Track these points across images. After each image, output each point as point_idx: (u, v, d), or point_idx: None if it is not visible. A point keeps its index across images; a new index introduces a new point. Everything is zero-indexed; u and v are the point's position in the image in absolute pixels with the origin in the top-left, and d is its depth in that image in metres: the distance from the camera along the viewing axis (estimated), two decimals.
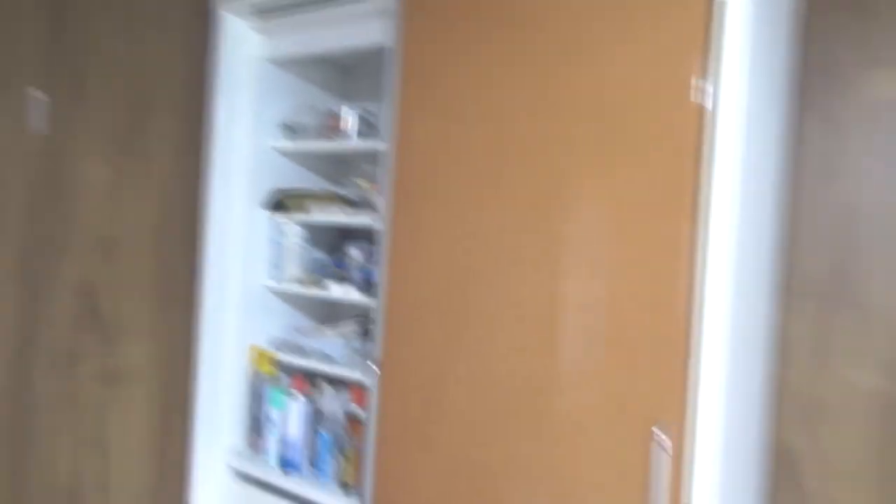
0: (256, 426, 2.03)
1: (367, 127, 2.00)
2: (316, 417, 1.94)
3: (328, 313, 2.32)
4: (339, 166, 2.32)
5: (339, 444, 1.86)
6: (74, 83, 1.65)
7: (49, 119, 1.60)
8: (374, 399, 1.65)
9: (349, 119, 1.96)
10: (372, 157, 2.13)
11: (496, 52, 1.46)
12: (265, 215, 2.05)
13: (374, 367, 1.65)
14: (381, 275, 1.65)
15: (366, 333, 2.06)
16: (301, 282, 2.03)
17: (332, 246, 2.26)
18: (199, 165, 1.97)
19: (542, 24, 1.40)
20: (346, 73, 2.31)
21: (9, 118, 1.54)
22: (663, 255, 1.26)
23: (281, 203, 2.03)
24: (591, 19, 1.35)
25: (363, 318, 2.07)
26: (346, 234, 2.26)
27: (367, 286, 1.87)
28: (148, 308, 1.88)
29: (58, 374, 1.68)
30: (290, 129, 2.07)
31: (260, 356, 2.00)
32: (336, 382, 2.04)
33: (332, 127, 2.02)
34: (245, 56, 1.97)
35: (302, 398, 1.94)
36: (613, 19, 1.32)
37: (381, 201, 1.66)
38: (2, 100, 1.52)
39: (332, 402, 1.94)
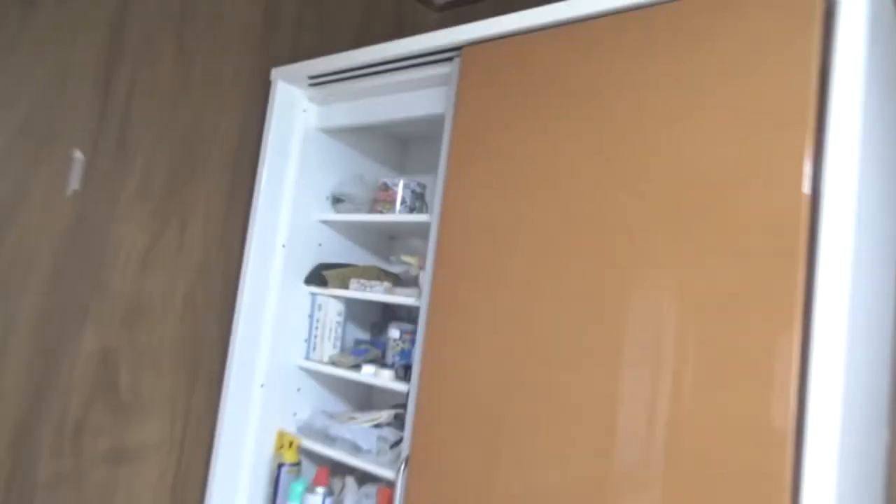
0: None
1: (419, 201, 1.89)
2: None
3: (367, 399, 2.15)
4: (388, 241, 2.21)
5: None
6: (117, 142, 1.62)
7: (87, 178, 1.56)
8: (398, 502, 1.44)
9: (400, 191, 1.85)
10: (423, 233, 2.01)
11: (557, 122, 1.33)
12: (304, 290, 1.94)
13: (401, 465, 1.45)
14: (415, 359, 1.48)
15: (402, 424, 1.87)
16: (336, 363, 1.88)
17: (376, 326, 2.11)
18: (240, 235, 1.90)
19: (613, 94, 1.27)
20: (402, 145, 2.25)
21: (47, 176, 1.50)
22: (756, 366, 1.03)
23: (321, 277, 1.91)
24: (672, 87, 1.20)
25: (402, 407, 1.89)
26: (392, 314, 2.11)
27: (406, 371, 1.69)
28: (170, 382, 1.76)
29: (64, 452, 1.56)
30: (339, 201, 1.98)
31: (284, 442, 1.83)
32: (365, 478, 1.84)
33: (382, 200, 1.93)
34: (297, 125, 1.93)
35: (323, 494, 1.74)
36: (699, 87, 1.17)
37: (421, 279, 1.52)
38: (43, 157, 1.49)
39: (356, 502, 1.73)
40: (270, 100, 1.88)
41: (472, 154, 1.46)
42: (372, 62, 1.67)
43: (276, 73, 1.88)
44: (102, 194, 1.60)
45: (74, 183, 1.54)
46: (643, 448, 1.12)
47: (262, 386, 1.85)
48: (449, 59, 1.56)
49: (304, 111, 1.94)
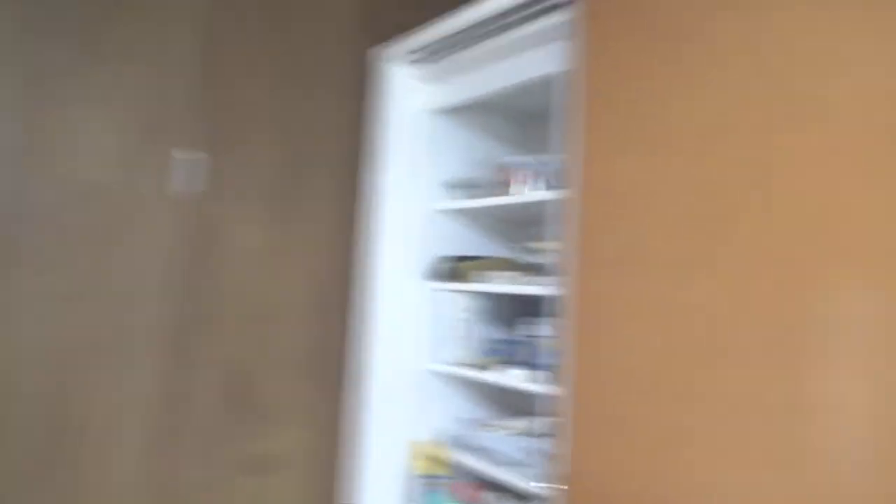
0: None
1: (548, 179, 1.67)
2: None
3: (508, 403, 1.95)
4: (515, 228, 2.01)
5: None
6: (226, 142, 1.54)
7: (199, 180, 1.49)
8: None
9: (526, 172, 1.64)
10: (554, 215, 1.79)
11: (714, 54, 1.07)
12: (428, 286, 1.78)
13: (555, 483, 1.24)
14: (562, 358, 1.26)
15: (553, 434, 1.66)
16: (469, 364, 1.70)
17: (510, 322, 1.91)
18: (357, 230, 1.77)
19: (786, 6, 0.99)
20: (522, 123, 2.03)
21: (157, 179, 1.44)
22: None
23: (446, 272, 1.74)
24: None
25: (551, 412, 1.68)
26: (527, 308, 1.91)
27: (556, 373, 1.48)
28: (299, 389, 1.67)
29: (200, 462, 1.49)
30: (458, 187, 1.80)
31: (422, 452, 1.68)
32: (506, 493, 1.65)
33: (505, 182, 1.72)
34: (408, 108, 1.77)
35: None
36: None
37: (562, 266, 1.30)
38: (151, 159, 1.43)
39: None
40: (374, 82, 1.74)
41: (611, 113, 1.22)
42: (476, 22, 1.47)
43: (377, 53, 1.74)
44: (215, 193, 1.52)
45: (183, 183, 1.46)
46: (864, 460, 0.84)
47: (390, 390, 1.71)
48: (565, 5, 1.33)
49: (412, 91, 1.78)
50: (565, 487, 1.22)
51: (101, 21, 1.37)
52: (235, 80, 1.55)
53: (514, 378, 1.53)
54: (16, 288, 1.31)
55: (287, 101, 1.64)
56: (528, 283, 1.56)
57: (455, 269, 1.74)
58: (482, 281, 1.68)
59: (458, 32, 1.54)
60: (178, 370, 1.47)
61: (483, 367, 1.64)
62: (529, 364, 1.59)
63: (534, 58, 1.49)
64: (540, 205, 1.56)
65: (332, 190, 1.73)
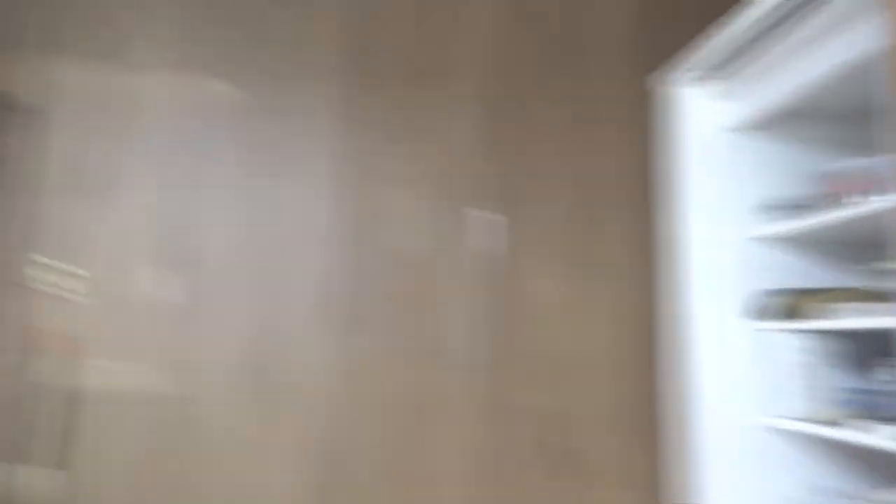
0: None
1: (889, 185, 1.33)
2: None
3: (875, 468, 1.56)
4: (855, 249, 1.64)
5: None
6: (519, 199, 1.60)
7: (499, 240, 1.56)
8: None
9: (861, 179, 1.34)
10: None
11: None
12: (753, 327, 1.54)
13: None
14: None
15: None
16: (816, 420, 1.40)
17: (868, 365, 1.54)
18: (662, 270, 1.64)
19: None
20: (841, 123, 1.68)
21: (459, 243, 1.56)
22: None
23: (775, 308, 1.49)
24: None
25: None
26: (891, 348, 1.52)
27: None
28: (614, 444, 1.58)
29: None
30: (772, 210, 1.55)
31: None
32: None
33: (835, 195, 1.43)
34: (702, 131, 1.61)
35: None
36: None
37: None
38: (452, 225, 1.56)
39: None
40: (660, 110, 1.63)
41: None
42: (763, 17, 1.27)
43: (659, 78, 1.63)
44: (512, 249, 1.58)
45: (483, 244, 1.55)
46: None
47: (717, 448, 1.50)
48: None
49: (703, 112, 1.61)
50: None
51: (395, 107, 1.56)
52: (520, 139, 1.62)
53: (882, 436, 1.20)
54: (356, 348, 1.53)
55: (572, 148, 1.64)
56: (886, 316, 1.24)
57: (786, 304, 1.48)
58: (822, 316, 1.39)
59: (743, 35, 1.36)
60: (492, 426, 1.51)
61: (835, 423, 1.34)
62: None
63: (837, 43, 1.23)
64: (886, 215, 1.25)
65: (630, 230, 1.65)
